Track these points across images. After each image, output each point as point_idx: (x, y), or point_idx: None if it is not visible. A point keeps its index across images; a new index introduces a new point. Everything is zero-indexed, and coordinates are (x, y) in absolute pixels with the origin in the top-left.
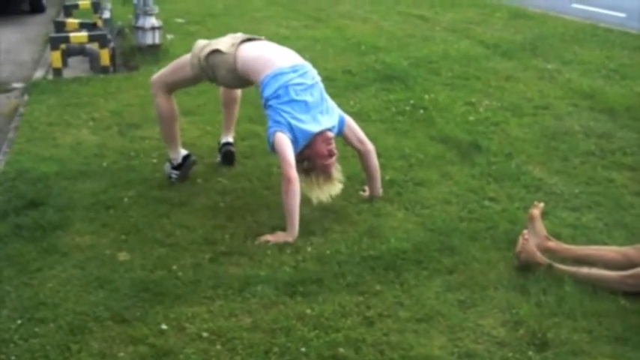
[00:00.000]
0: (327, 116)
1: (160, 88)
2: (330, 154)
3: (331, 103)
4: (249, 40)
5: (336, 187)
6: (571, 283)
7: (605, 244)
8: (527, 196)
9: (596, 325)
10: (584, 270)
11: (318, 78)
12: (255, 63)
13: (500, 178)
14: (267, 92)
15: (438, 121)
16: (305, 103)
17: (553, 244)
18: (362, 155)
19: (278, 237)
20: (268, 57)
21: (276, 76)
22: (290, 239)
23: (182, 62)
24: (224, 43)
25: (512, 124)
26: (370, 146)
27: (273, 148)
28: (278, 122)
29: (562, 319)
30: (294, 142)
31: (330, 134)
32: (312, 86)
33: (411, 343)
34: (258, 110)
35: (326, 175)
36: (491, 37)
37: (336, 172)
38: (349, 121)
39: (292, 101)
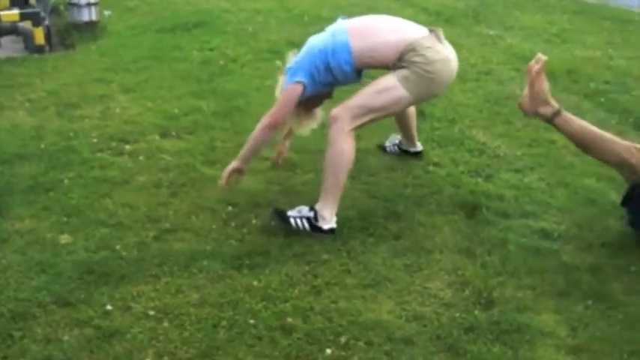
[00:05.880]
0: None
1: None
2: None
3: None
4: None
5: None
6: (515, 243)
7: (548, 203)
8: (472, 160)
9: (540, 282)
10: (592, 128)
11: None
12: None
13: (444, 144)
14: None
15: None
16: None
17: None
18: None
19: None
20: None
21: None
22: (235, 164)
23: None
24: None
25: (456, 90)
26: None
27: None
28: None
29: (507, 277)
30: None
31: None
32: None
33: (359, 309)
34: (200, 85)
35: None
36: (435, 4)
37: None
38: None
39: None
